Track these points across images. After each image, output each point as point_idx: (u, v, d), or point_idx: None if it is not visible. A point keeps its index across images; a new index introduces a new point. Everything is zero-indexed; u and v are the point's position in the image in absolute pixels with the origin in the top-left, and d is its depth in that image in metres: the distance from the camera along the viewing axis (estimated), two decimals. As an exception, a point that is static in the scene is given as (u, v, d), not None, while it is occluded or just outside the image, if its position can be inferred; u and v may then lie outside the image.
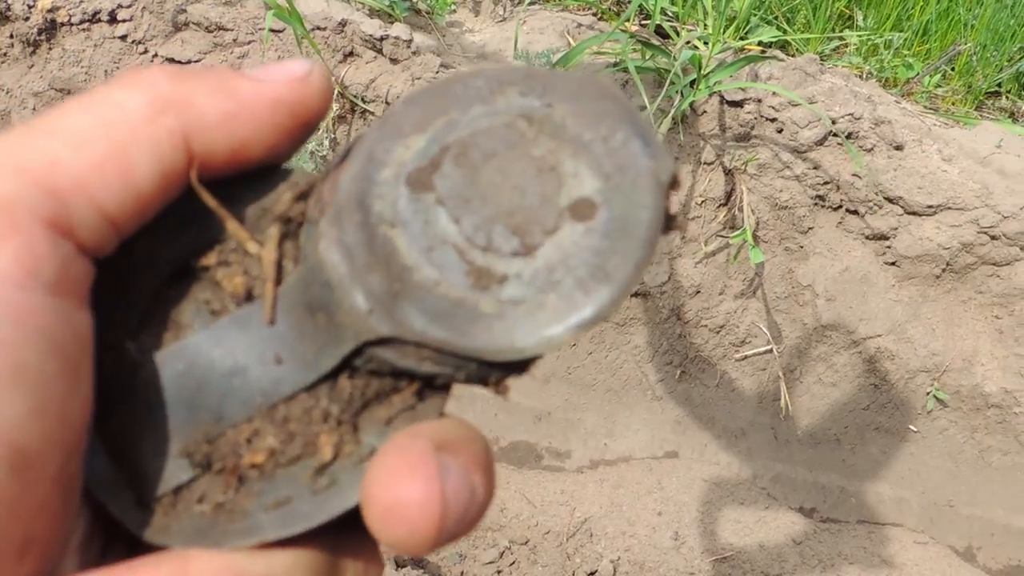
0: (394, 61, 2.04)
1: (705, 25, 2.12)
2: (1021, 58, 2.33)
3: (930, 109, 2.24)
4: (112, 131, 0.29)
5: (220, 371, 0.34)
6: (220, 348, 0.34)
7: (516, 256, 0.32)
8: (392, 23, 2.09)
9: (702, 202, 2.10)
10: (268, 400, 0.33)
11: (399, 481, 0.29)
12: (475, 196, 0.33)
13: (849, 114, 2.00)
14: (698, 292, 2.14)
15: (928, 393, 2.14)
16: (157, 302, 0.35)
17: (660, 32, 2.14)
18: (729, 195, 2.10)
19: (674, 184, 0.33)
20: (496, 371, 0.33)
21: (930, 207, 2.01)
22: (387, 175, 0.33)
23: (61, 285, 0.28)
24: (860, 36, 2.27)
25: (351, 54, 2.05)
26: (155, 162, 0.30)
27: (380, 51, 2.04)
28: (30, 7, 2.06)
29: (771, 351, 2.16)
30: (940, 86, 2.30)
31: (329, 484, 0.33)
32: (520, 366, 0.33)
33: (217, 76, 0.33)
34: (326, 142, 2.06)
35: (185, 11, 2.05)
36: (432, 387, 0.34)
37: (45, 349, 0.26)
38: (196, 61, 2.09)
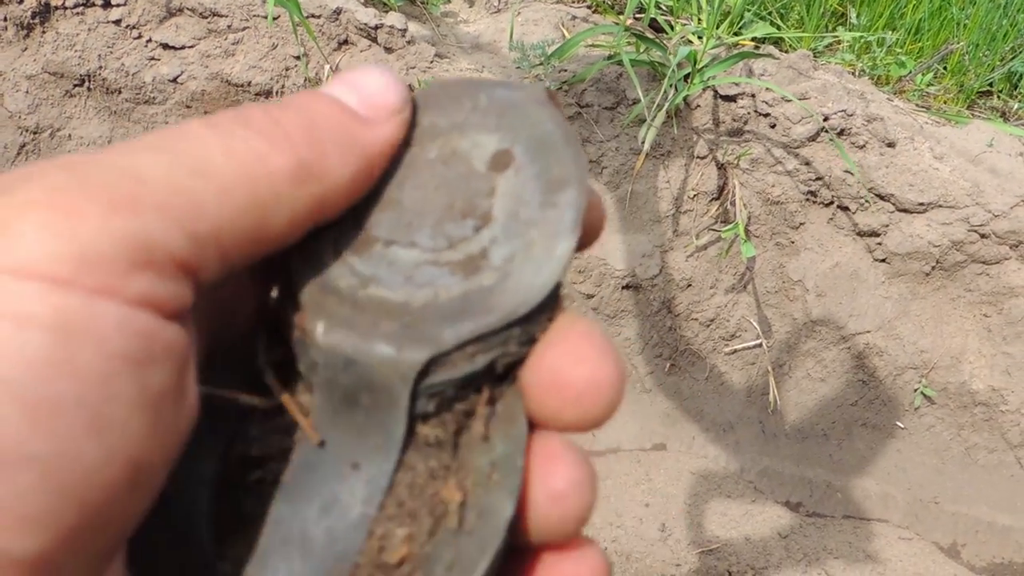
0: (389, 50, 2.04)
1: (699, 20, 2.12)
2: (1013, 58, 2.34)
3: (922, 107, 2.24)
4: (256, 187, 0.29)
5: (316, 522, 0.32)
6: (301, 507, 0.33)
7: (480, 230, 0.33)
8: (387, 12, 2.09)
9: (694, 196, 2.11)
10: (373, 504, 0.32)
11: (590, 362, 0.32)
12: (412, 218, 0.34)
13: (841, 111, 2.00)
14: (689, 285, 2.15)
15: (916, 390, 2.15)
16: (220, 511, 0.34)
17: (654, 26, 2.15)
18: (721, 189, 2.11)
19: (552, 97, 0.36)
20: (536, 321, 0.33)
21: (921, 205, 2.02)
22: (330, 260, 0.34)
23: (180, 317, 0.28)
24: (853, 34, 2.28)
25: (345, 42, 2.05)
26: (288, 225, 0.31)
27: (375, 40, 2.04)
28: (24, -10, 2.05)
29: (761, 345, 2.17)
30: (932, 84, 2.31)
31: (478, 515, 0.32)
32: (552, 302, 0.33)
33: (345, 128, 0.32)
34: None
35: (180, -4, 2.05)
36: (498, 381, 0.34)
37: (166, 370, 0.27)
38: (190, 47, 2.08)
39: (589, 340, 0.32)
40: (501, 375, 0.33)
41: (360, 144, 0.32)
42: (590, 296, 2.12)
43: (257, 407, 0.34)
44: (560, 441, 0.33)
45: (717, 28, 2.07)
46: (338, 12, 2.02)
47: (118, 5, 2.06)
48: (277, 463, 0.33)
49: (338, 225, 0.34)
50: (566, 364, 0.32)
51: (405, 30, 2.03)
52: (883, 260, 2.09)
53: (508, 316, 0.32)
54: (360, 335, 0.32)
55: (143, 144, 0.28)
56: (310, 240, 0.33)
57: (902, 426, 2.19)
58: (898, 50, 2.33)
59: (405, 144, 0.35)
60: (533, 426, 0.33)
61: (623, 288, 2.12)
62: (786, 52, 2.17)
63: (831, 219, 2.10)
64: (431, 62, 2.03)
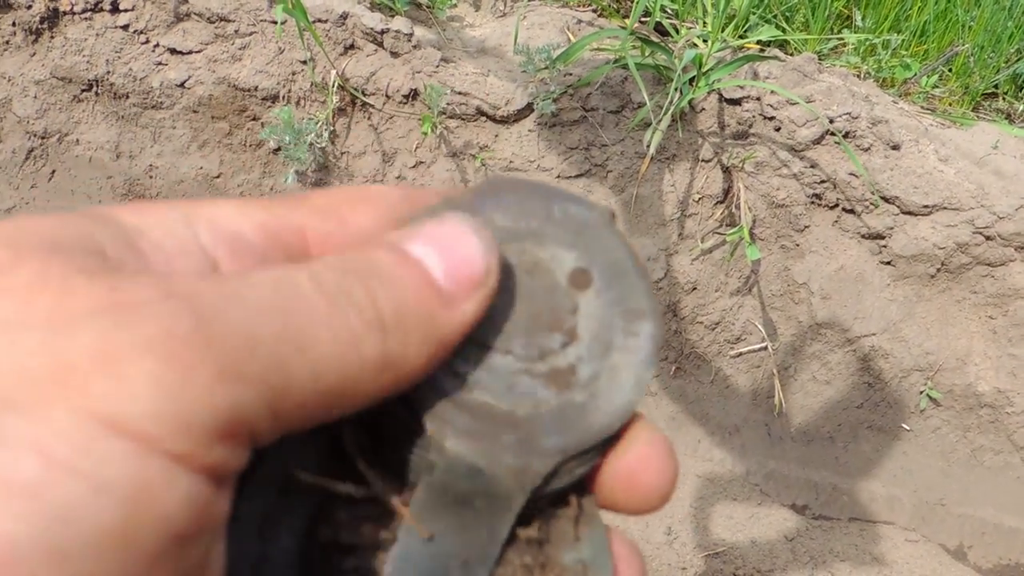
0: (395, 55, 2.05)
1: (704, 23, 2.13)
2: (1018, 60, 2.34)
3: (927, 109, 2.25)
4: (345, 372, 0.29)
5: None
6: None
7: (567, 346, 0.36)
8: (393, 16, 2.10)
9: (699, 199, 2.11)
10: None
11: (658, 468, 0.36)
12: (503, 324, 0.36)
13: (847, 113, 2.01)
14: (694, 289, 2.15)
15: (921, 392, 2.15)
16: None
17: (659, 29, 2.15)
18: (726, 193, 2.11)
19: (613, 218, 0.38)
20: (618, 437, 0.36)
21: (926, 207, 2.02)
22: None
23: (230, 482, 0.28)
24: (858, 36, 2.28)
25: (352, 47, 2.06)
26: (358, 405, 0.31)
27: (381, 44, 2.05)
28: (32, -4, 2.07)
29: (766, 348, 2.17)
30: (937, 87, 2.31)
31: None
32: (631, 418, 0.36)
33: (429, 311, 0.31)
34: (325, 134, 2.07)
35: (187, 1, 2.06)
36: (580, 486, 0.37)
37: (206, 542, 0.27)
38: (197, 52, 2.09)
39: (657, 448, 0.36)
40: (579, 485, 0.37)
41: (440, 330, 0.32)
42: (596, 299, 2.12)
43: (352, 495, 0.35)
44: (626, 543, 0.37)
45: (722, 31, 2.07)
46: (344, 17, 2.03)
47: (126, 10, 2.08)
48: (371, 552, 0.34)
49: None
50: (639, 469, 0.36)
51: (411, 34, 2.04)
52: (888, 262, 2.10)
53: (603, 433, 0.35)
54: (486, 446, 0.34)
55: (257, 294, 0.28)
56: None
57: (908, 428, 2.19)
58: (903, 52, 2.33)
59: None
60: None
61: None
62: (791, 55, 2.17)
63: (836, 222, 2.10)
64: (437, 66, 2.04)
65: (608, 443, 0.36)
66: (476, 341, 0.35)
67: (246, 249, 0.32)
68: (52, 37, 2.11)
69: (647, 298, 0.36)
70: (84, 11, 2.08)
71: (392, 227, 0.35)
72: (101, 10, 2.08)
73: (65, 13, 2.09)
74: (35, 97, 2.15)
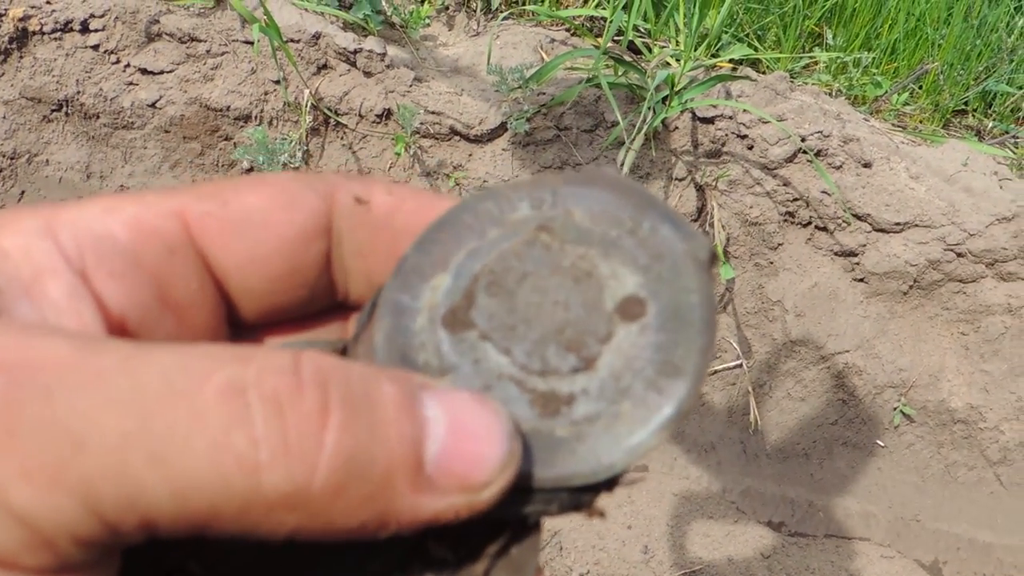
0: (368, 74, 2.05)
1: (677, 42, 2.14)
2: (987, 77, 2.36)
3: (898, 127, 2.26)
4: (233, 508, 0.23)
5: None
6: None
7: (577, 372, 0.31)
8: (366, 36, 2.10)
9: (673, 217, 2.11)
10: None
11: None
12: (518, 321, 0.31)
13: (818, 131, 2.02)
14: (669, 307, 2.15)
15: (895, 408, 2.16)
16: None
17: (633, 48, 2.16)
18: (700, 211, 2.12)
19: (714, 261, 0.32)
20: (587, 494, 0.30)
21: (897, 224, 2.03)
22: (421, 323, 0.31)
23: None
24: (830, 54, 2.30)
25: (325, 67, 2.06)
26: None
27: (354, 64, 2.05)
28: (1, 15, 2.05)
29: (741, 366, 2.18)
30: (908, 104, 2.33)
31: None
32: (611, 482, 0.31)
33: (386, 481, 0.24)
34: (299, 154, 2.06)
35: (158, 22, 2.05)
36: (524, 528, 0.31)
37: None
38: (169, 72, 2.08)
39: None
40: (531, 524, 0.31)
41: (388, 513, 0.25)
42: (571, 318, 2.12)
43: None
44: None
45: (695, 50, 2.08)
46: (317, 37, 2.03)
47: (96, 30, 2.06)
48: None
49: (449, 294, 0.32)
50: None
51: (384, 54, 2.04)
52: (861, 280, 2.11)
53: (566, 480, 0.30)
54: None
55: (122, 382, 0.22)
56: (418, 293, 0.32)
57: (882, 444, 2.20)
58: (874, 70, 2.35)
59: (551, 232, 0.33)
60: None
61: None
62: (763, 73, 2.18)
63: (809, 239, 2.11)
64: (410, 86, 2.03)
65: (575, 497, 0.30)
66: (477, 326, 0.31)
67: (115, 252, 0.28)
68: (21, 57, 2.09)
69: (697, 357, 0.30)
70: (54, 31, 2.06)
71: (286, 208, 0.30)
72: (71, 30, 2.06)
73: (34, 33, 2.07)
74: (4, 117, 2.13)
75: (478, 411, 0.26)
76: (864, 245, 2.07)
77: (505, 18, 2.28)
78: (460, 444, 0.25)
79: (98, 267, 0.27)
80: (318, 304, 0.32)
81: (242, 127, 2.11)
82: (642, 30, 2.21)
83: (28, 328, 0.23)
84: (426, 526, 0.25)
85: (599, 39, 2.09)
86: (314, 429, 0.22)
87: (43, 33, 2.07)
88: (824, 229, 2.09)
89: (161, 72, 2.08)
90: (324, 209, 0.31)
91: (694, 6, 1.98)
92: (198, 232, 0.29)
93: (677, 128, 2.06)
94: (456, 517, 0.26)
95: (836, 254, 2.11)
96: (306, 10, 2.07)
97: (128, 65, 2.09)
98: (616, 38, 2.17)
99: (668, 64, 2.05)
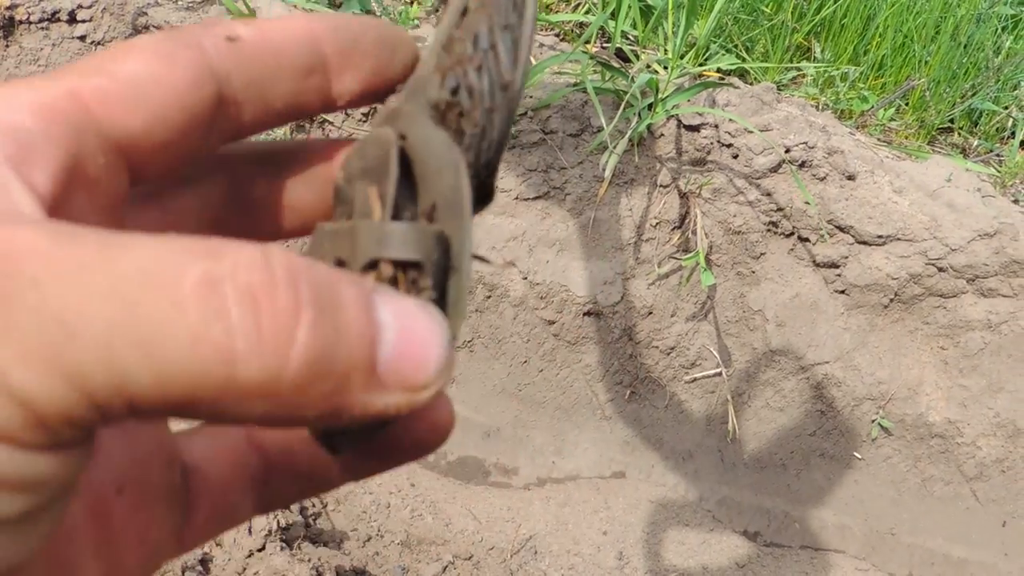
0: (355, 72, 2.05)
1: (665, 50, 2.14)
2: (973, 95, 2.38)
3: (883, 142, 2.27)
4: (207, 391, 0.25)
5: None
6: None
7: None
8: (355, 35, 2.10)
9: (656, 224, 2.12)
10: None
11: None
12: None
13: (803, 143, 2.03)
14: (650, 313, 2.15)
15: (873, 421, 2.16)
16: None
17: (621, 55, 2.16)
18: (683, 218, 2.12)
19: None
20: None
21: (880, 237, 2.04)
22: None
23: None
24: (817, 68, 2.31)
25: (312, 64, 2.05)
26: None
27: (341, 62, 2.05)
28: (-11, 3, 2.04)
29: (720, 374, 2.18)
30: (894, 120, 2.34)
31: None
32: None
33: (344, 378, 0.26)
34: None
35: (146, 14, 2.05)
36: None
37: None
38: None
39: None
40: None
41: (342, 405, 0.26)
42: (551, 322, 2.12)
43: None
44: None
45: (682, 59, 2.09)
46: (305, 33, 2.03)
47: (83, 21, 2.06)
48: None
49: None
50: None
51: (372, 53, 2.04)
52: (842, 291, 2.11)
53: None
54: None
55: (106, 277, 0.23)
56: None
57: (859, 457, 2.21)
58: (861, 85, 2.36)
59: None
60: None
61: (584, 315, 2.13)
62: (750, 84, 2.19)
63: (791, 250, 2.11)
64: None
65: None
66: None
67: (28, 138, 0.28)
68: (7, 46, 2.09)
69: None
70: (41, 21, 2.06)
71: (168, 65, 0.31)
72: (58, 20, 2.06)
73: (21, 22, 2.07)
74: (-11, 105, 2.12)
75: (423, 319, 0.27)
76: (846, 257, 2.08)
77: (495, 22, 2.28)
78: (407, 348, 0.27)
79: (19, 154, 0.28)
80: (212, 148, 0.34)
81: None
82: (631, 38, 2.22)
83: (10, 216, 0.25)
84: (370, 420, 0.27)
85: (588, 45, 2.09)
86: (287, 325, 0.24)
87: (30, 23, 2.07)
88: (806, 240, 2.09)
89: (148, 65, 2.08)
90: (201, 57, 0.32)
91: (682, 15, 1.99)
92: (96, 107, 0.30)
93: (662, 135, 2.07)
94: (397, 413, 0.27)
95: (818, 265, 2.11)
96: (295, 6, 2.07)
97: (115, 57, 2.08)
98: (605, 44, 2.17)
99: (654, 70, 2.05)
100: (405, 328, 0.27)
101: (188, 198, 0.36)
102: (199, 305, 0.23)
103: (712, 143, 2.06)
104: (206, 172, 0.36)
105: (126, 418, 0.24)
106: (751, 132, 2.00)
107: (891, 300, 2.09)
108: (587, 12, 2.24)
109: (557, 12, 2.29)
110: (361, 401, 0.26)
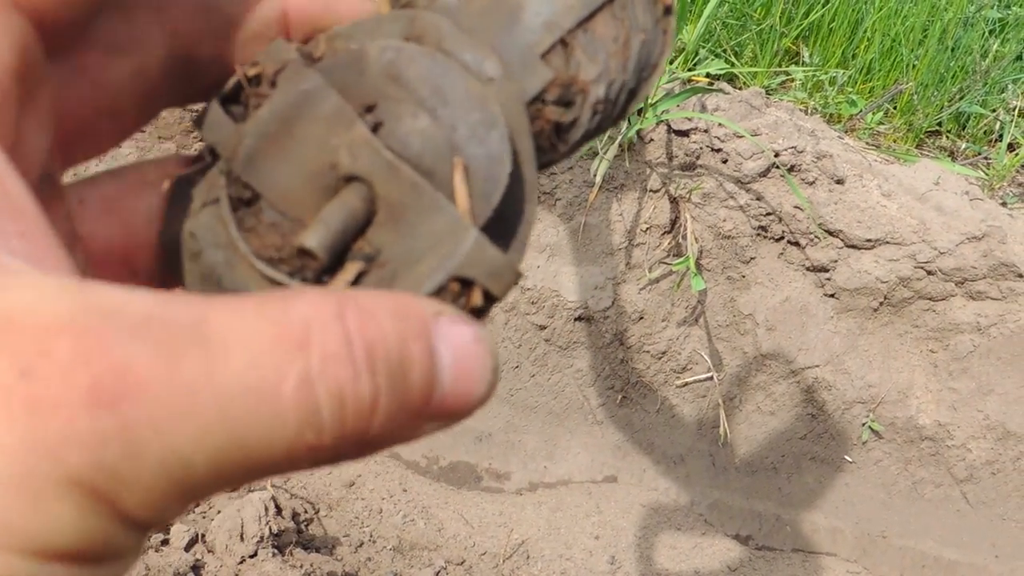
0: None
1: (654, 55, 2.15)
2: (961, 99, 2.39)
3: (872, 146, 2.28)
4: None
5: None
6: None
7: None
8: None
9: (647, 229, 2.12)
10: None
11: None
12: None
13: (792, 147, 2.03)
14: (641, 318, 2.16)
15: (864, 424, 2.17)
16: None
17: (610, 60, 2.17)
18: (674, 223, 2.13)
19: None
20: None
21: (869, 241, 2.05)
22: None
23: None
24: (806, 72, 2.32)
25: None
26: None
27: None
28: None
29: (711, 378, 2.18)
30: (882, 123, 2.36)
31: None
32: None
33: (397, 422, 0.27)
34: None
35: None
36: None
37: None
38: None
39: None
40: None
41: (385, 444, 0.27)
42: (542, 327, 2.13)
43: None
44: None
45: (671, 64, 2.10)
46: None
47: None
48: None
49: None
50: None
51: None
52: (832, 295, 2.12)
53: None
54: None
55: (209, 413, 0.24)
56: None
57: (850, 460, 2.21)
58: (849, 89, 2.37)
59: None
60: None
61: (575, 320, 2.13)
62: (740, 89, 2.20)
63: (781, 254, 2.12)
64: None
65: None
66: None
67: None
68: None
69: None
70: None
71: None
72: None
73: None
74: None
75: (478, 353, 0.28)
76: (836, 261, 2.08)
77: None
78: (459, 390, 0.28)
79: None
80: None
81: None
82: (620, 43, 2.22)
83: (90, 318, 0.24)
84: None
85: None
86: (367, 416, 0.25)
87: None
88: (796, 244, 2.10)
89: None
90: None
91: (671, 19, 1.99)
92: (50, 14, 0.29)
93: (652, 140, 2.08)
94: (434, 432, 0.29)
95: (808, 269, 2.12)
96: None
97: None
98: (594, 50, 2.18)
99: (645, 76, 2.06)
100: (460, 366, 0.28)
101: (119, 68, 0.33)
102: (296, 415, 0.24)
103: (702, 148, 2.06)
104: (138, 36, 0.33)
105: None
106: (740, 136, 2.01)
107: (880, 303, 2.10)
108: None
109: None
110: (409, 437, 0.28)
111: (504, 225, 0.30)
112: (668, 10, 0.33)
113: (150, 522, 0.24)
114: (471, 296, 0.29)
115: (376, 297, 0.27)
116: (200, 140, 0.32)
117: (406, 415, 0.27)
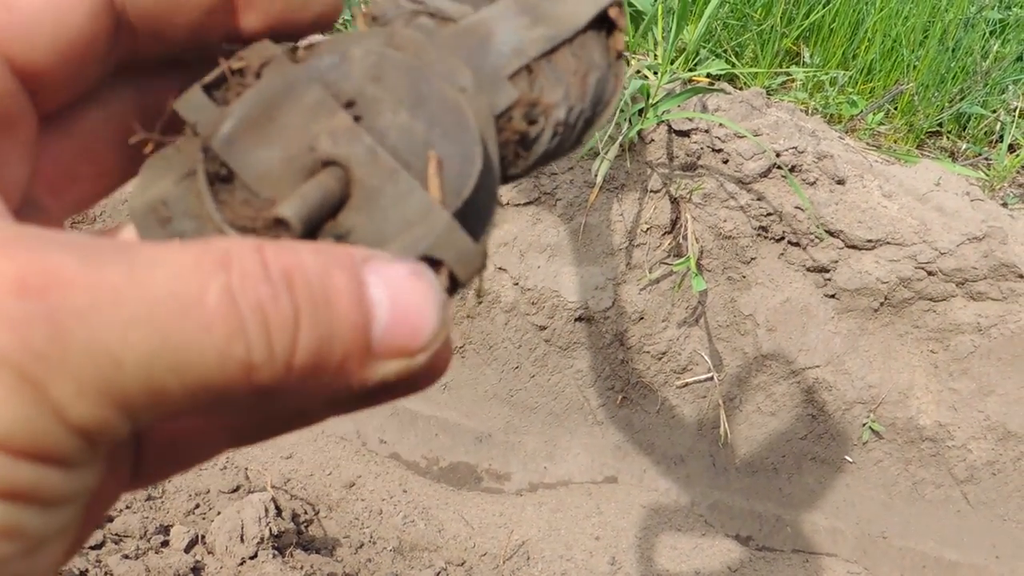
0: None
1: (655, 56, 2.15)
2: (962, 99, 2.39)
3: (872, 146, 2.28)
4: (225, 402, 0.28)
5: None
6: None
7: None
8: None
9: (647, 229, 2.12)
10: None
11: None
12: None
13: (793, 147, 2.03)
14: (641, 318, 2.16)
15: (864, 425, 2.17)
16: None
17: (611, 60, 2.17)
18: (674, 223, 2.13)
19: None
20: None
21: (869, 241, 2.05)
22: None
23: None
24: (806, 72, 2.32)
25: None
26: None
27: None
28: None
29: (712, 379, 2.18)
30: (883, 124, 2.35)
31: None
32: None
33: (340, 367, 0.28)
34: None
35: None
36: None
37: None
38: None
39: None
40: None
41: (337, 386, 0.28)
42: (543, 328, 2.12)
43: None
44: None
45: (672, 64, 2.09)
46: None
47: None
48: None
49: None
50: None
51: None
52: (833, 296, 2.12)
53: None
54: None
55: (138, 302, 0.25)
56: None
57: (851, 460, 2.21)
58: (850, 90, 2.37)
59: None
60: None
61: (576, 320, 2.13)
62: (740, 89, 2.20)
63: (782, 254, 2.12)
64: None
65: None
66: None
67: None
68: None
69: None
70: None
71: None
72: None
73: None
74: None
75: (415, 287, 0.29)
76: (836, 261, 2.08)
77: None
78: (400, 321, 0.28)
79: None
80: (109, 69, 0.34)
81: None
82: (621, 43, 2.22)
83: (24, 237, 0.26)
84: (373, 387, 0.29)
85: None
86: (290, 332, 0.27)
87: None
88: (797, 244, 2.10)
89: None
90: None
91: (672, 20, 1.99)
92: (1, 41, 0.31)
93: (653, 140, 2.07)
94: (396, 378, 0.29)
95: (808, 270, 2.12)
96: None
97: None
98: (595, 50, 2.17)
99: (645, 77, 2.06)
100: (397, 300, 0.28)
101: (93, 118, 0.35)
102: (223, 325, 0.26)
103: (702, 148, 2.06)
104: (108, 87, 0.35)
105: (152, 423, 0.27)
106: (741, 137, 2.00)
107: (881, 304, 2.10)
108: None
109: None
110: (360, 377, 0.28)
111: (468, 225, 0.31)
112: (619, 55, 0.36)
113: (88, 425, 0.25)
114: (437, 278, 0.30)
115: (301, 243, 0.28)
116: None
117: (343, 346, 0.27)
